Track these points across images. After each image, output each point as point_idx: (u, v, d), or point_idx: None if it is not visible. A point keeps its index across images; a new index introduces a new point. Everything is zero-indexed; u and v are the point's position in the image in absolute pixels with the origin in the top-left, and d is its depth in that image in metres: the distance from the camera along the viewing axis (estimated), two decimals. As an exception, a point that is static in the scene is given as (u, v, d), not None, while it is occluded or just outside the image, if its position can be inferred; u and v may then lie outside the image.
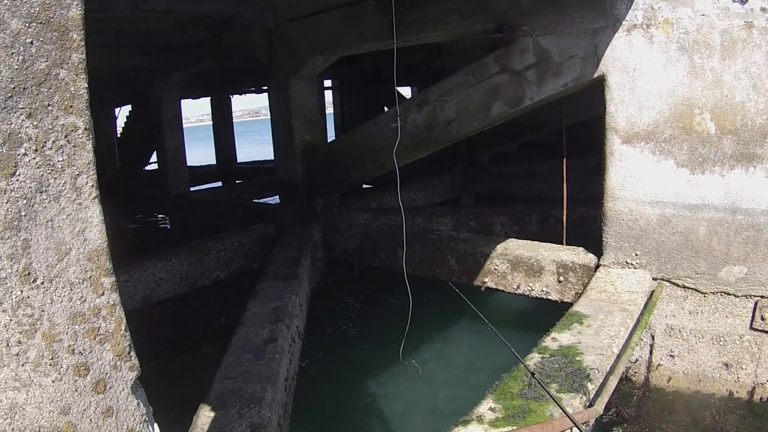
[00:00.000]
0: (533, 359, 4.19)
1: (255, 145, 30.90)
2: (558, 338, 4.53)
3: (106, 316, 1.79)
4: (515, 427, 3.30)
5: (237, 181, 17.38)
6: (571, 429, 3.39)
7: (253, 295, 5.86)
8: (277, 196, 10.17)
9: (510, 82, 6.37)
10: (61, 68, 1.63)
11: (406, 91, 18.55)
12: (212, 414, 3.67)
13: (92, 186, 1.72)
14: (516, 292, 6.64)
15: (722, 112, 5.13)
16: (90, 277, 1.74)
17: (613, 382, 4.06)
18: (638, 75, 5.43)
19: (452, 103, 6.99)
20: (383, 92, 14.44)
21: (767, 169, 5.01)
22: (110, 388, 1.80)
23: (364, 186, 12.39)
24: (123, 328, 1.85)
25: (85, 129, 1.69)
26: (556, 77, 6.00)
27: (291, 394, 4.71)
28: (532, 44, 6.11)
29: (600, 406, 3.76)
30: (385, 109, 14.03)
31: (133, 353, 1.88)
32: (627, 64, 5.47)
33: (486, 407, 3.60)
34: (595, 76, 5.68)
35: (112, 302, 1.81)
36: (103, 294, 1.78)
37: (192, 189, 13.88)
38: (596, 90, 5.84)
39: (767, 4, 4.80)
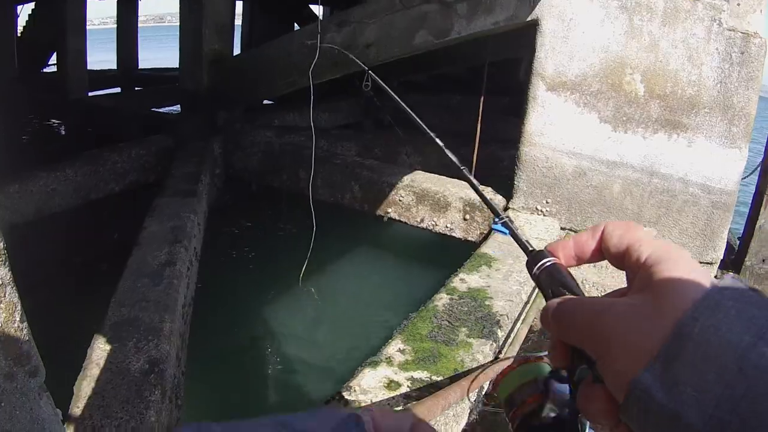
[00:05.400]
0: (442, 300, 4.16)
1: (157, 52, 29.32)
2: (466, 280, 4.52)
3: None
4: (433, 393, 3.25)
5: (137, 88, 16.51)
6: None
7: (151, 212, 5.52)
8: (178, 106, 9.70)
9: (438, 13, 6.16)
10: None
11: (318, 12, 18.01)
12: (108, 347, 3.41)
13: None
14: (419, 225, 6.63)
15: (654, 76, 5.19)
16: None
17: (523, 331, 4.11)
18: (574, 25, 5.39)
19: (374, 27, 6.73)
20: (295, 9, 13.99)
21: (690, 139, 5.14)
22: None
23: (265, 102, 12.00)
24: (18, 318, 1.32)
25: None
26: (487, 14, 5.84)
27: (188, 322, 4.49)
28: (468, -23, 5.92)
29: (510, 355, 3.79)
30: (296, 26, 13.59)
31: (33, 351, 1.36)
32: (564, 12, 5.41)
33: (395, 348, 3.54)
34: (529, 19, 5.57)
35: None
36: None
37: (90, 94, 13.08)
38: (517, 32, 5.77)
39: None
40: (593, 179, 5.54)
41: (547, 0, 5.45)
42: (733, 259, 6.15)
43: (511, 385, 0.81)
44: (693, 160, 5.21)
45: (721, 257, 5.44)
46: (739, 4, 4.96)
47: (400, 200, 6.67)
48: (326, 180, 7.14)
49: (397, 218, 6.74)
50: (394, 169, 7.11)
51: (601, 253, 0.68)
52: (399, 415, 0.69)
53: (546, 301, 0.67)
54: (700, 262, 5.27)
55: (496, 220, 0.82)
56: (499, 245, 5.21)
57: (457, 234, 6.36)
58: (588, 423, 0.72)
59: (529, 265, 0.72)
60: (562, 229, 5.73)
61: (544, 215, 5.78)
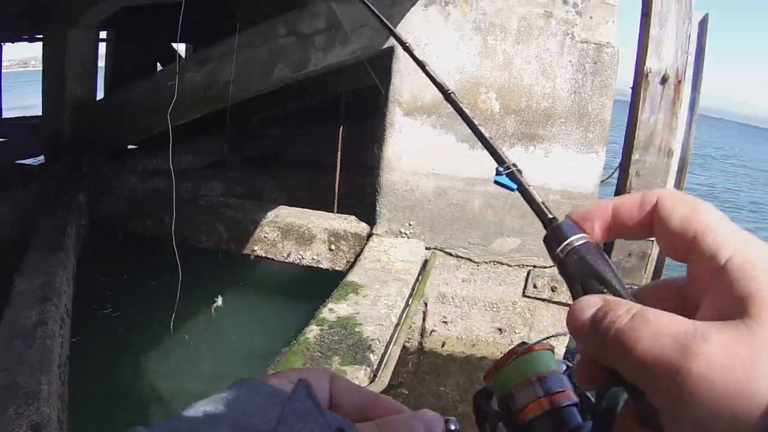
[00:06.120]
0: (312, 332, 4.09)
1: (22, 99, 27.86)
2: (335, 309, 4.47)
3: None
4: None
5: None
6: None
7: (19, 269, 5.23)
8: (42, 156, 9.22)
9: (296, 45, 6.12)
10: None
11: (182, 50, 17.76)
12: (-11, 416, 3.20)
13: None
14: (287, 260, 6.55)
15: (508, 93, 5.41)
16: None
17: (396, 352, 4.09)
18: (429, 50, 5.50)
19: (234, 64, 6.65)
20: (159, 49, 13.71)
21: (547, 149, 5.38)
22: None
23: (129, 147, 11.64)
24: None
25: None
26: (344, 45, 5.86)
27: (66, 382, 4.25)
28: (325, 9, 5.88)
29: (386, 377, 3.75)
30: (159, 67, 13.30)
31: None
32: (419, 38, 5.50)
33: (269, 384, 3.43)
34: (385, 47, 5.65)
35: None
36: None
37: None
38: (371, 60, 5.83)
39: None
40: (454, 197, 5.64)
41: (403, 27, 5.51)
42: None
43: (508, 382, 0.62)
44: (550, 169, 5.43)
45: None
46: (591, 18, 5.25)
47: (265, 237, 6.58)
48: (191, 223, 6.93)
49: (264, 255, 6.64)
50: (258, 206, 7.02)
51: (647, 228, 0.50)
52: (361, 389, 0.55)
53: (573, 296, 0.51)
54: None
55: (500, 169, 0.67)
56: (365, 272, 5.19)
57: (324, 265, 6.33)
58: None
59: (549, 242, 0.54)
60: (427, 248, 5.79)
61: (408, 237, 5.82)
